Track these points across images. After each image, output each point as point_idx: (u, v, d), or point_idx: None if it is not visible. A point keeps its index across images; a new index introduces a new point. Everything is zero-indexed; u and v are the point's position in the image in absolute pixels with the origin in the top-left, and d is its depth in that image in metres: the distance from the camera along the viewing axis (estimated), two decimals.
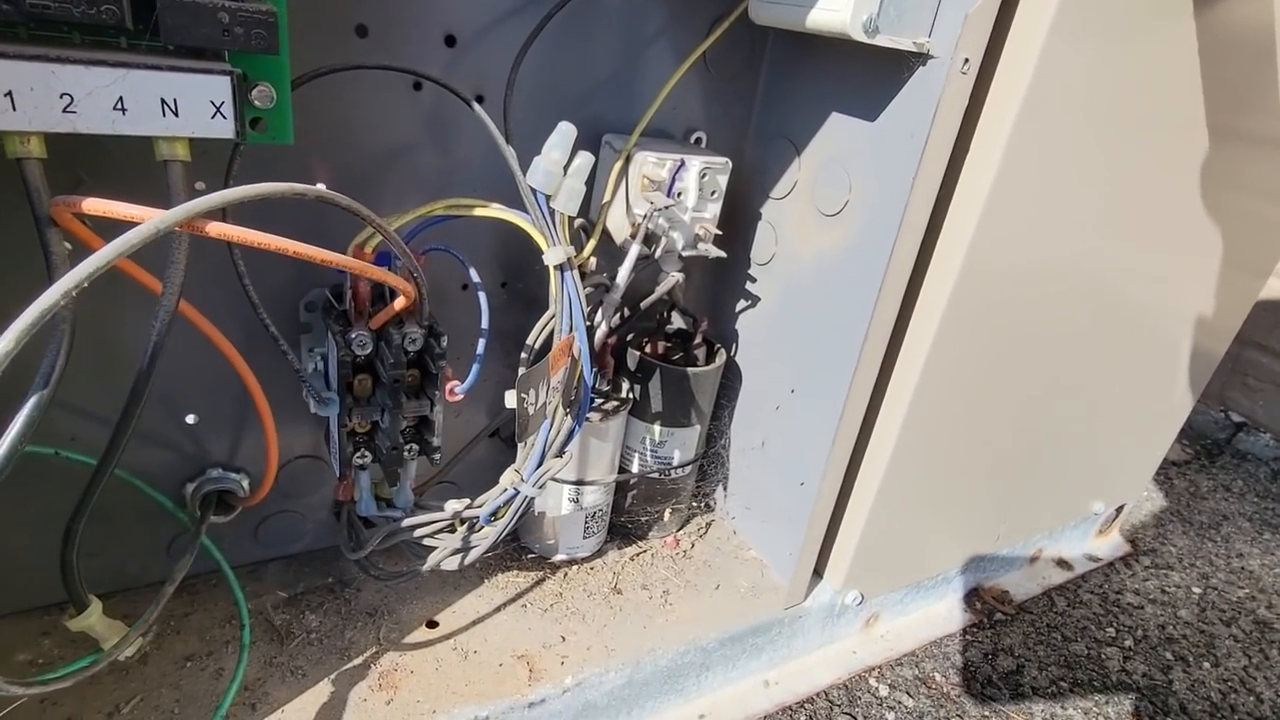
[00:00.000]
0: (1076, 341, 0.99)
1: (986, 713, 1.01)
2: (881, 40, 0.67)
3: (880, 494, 0.91)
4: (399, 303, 0.61)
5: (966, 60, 0.66)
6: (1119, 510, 1.41)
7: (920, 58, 0.69)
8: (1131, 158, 0.85)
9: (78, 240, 0.48)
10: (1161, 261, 1.01)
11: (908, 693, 1.03)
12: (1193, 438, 1.91)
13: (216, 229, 0.43)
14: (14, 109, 0.44)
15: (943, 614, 1.17)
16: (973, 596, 1.20)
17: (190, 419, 0.75)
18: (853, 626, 1.07)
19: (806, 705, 0.98)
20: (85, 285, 0.38)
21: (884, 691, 1.02)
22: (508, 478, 0.72)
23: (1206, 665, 1.17)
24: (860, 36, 0.65)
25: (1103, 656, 1.15)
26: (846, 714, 0.98)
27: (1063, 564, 1.33)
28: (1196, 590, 1.34)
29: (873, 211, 0.77)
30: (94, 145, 0.60)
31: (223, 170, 0.57)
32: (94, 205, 0.42)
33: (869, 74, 0.75)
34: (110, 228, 0.48)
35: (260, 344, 0.63)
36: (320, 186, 0.58)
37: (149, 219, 0.41)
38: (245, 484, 0.79)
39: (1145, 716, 1.06)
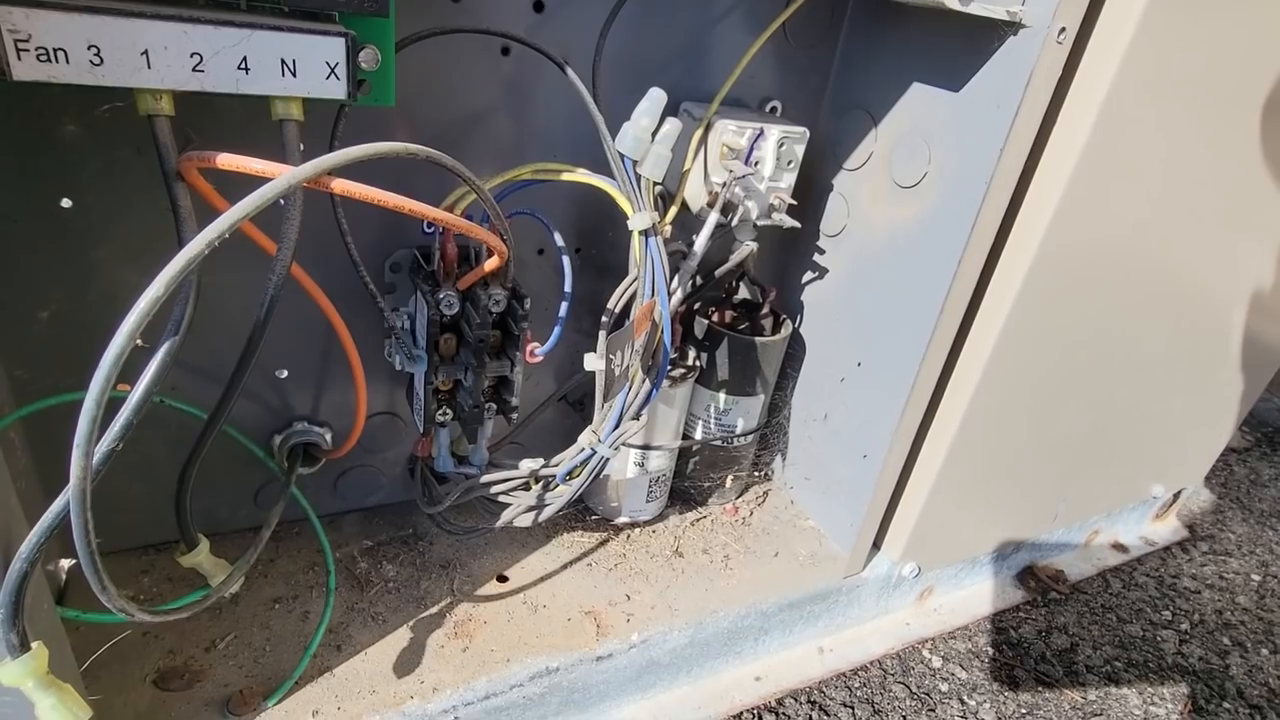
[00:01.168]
0: (1146, 323, 0.98)
1: (1040, 688, 1.02)
2: (975, 8, 0.66)
3: (943, 469, 0.91)
4: (491, 263, 0.63)
5: (1063, 30, 0.65)
6: (1177, 495, 1.39)
7: (1012, 26, 0.68)
8: (1217, 136, 0.83)
9: (200, 196, 0.51)
10: (1237, 246, 0.99)
11: (961, 665, 1.03)
12: (1254, 425, 1.86)
13: (341, 185, 0.45)
14: (149, 67, 0.46)
15: (996, 590, 1.17)
16: (1027, 575, 1.20)
17: (281, 374, 0.78)
18: (907, 599, 1.08)
19: (860, 673, 0.99)
20: (226, 236, 0.40)
21: (937, 663, 1.03)
22: (585, 438, 0.74)
23: (1265, 652, 1.16)
24: (954, 5, 0.64)
25: (1158, 639, 1.15)
26: (900, 683, 0.99)
27: (1119, 547, 1.32)
28: (1256, 577, 1.33)
29: (953, 184, 0.77)
30: (203, 105, 0.62)
31: (321, 130, 0.59)
32: (227, 160, 0.44)
33: (955, 43, 0.74)
34: (227, 186, 0.51)
35: (348, 302, 0.65)
36: (400, 144, 0.59)
37: (281, 174, 0.42)
38: (328, 437, 0.82)
39: (1201, 700, 1.05)
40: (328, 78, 0.51)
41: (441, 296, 0.67)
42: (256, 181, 0.45)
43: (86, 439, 0.39)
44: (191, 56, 0.46)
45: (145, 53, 0.45)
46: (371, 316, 0.77)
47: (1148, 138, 0.76)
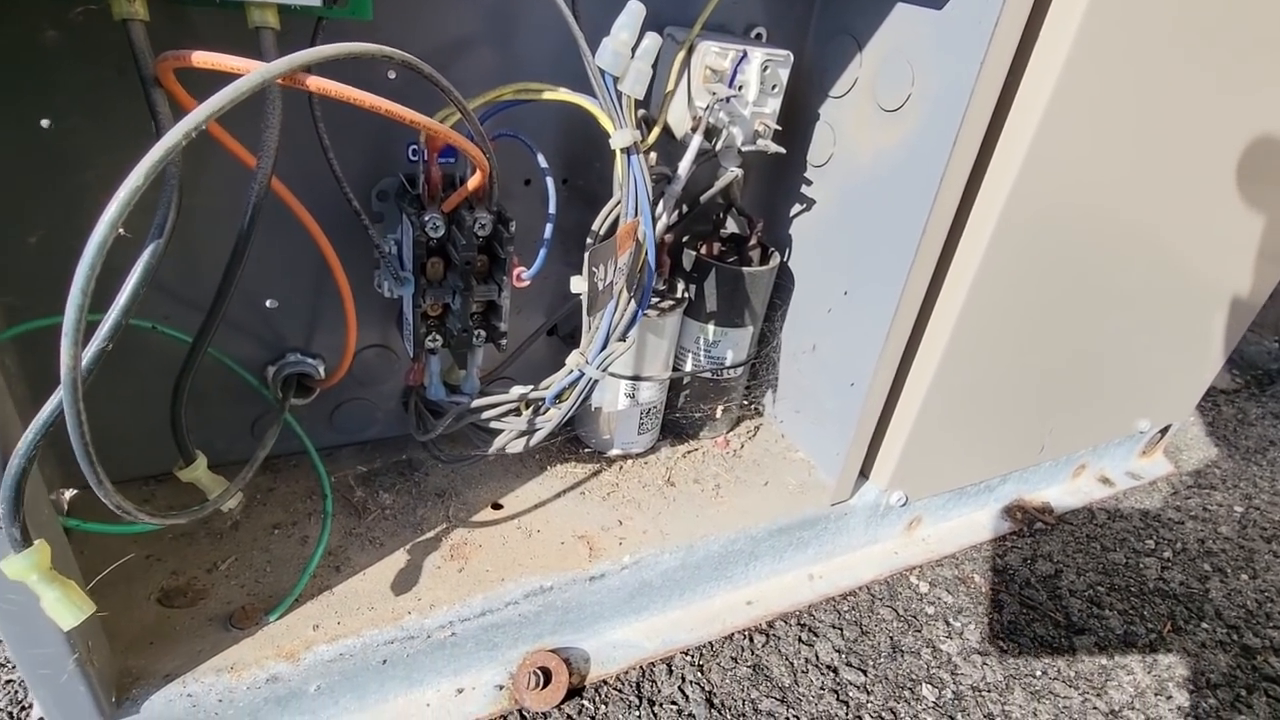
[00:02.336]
0: (1131, 254, 0.98)
1: (1023, 609, 1.05)
2: None
3: (929, 396, 0.93)
4: (473, 180, 0.63)
5: None
6: (1164, 431, 1.41)
7: None
8: (1202, 55, 0.82)
9: (177, 103, 0.51)
10: (1220, 182, 0.99)
11: (947, 590, 1.06)
12: (1243, 368, 1.88)
13: (316, 83, 0.45)
14: None
15: (983, 521, 1.19)
16: (1014, 506, 1.23)
17: (270, 304, 0.78)
18: (895, 528, 1.10)
19: (849, 597, 1.02)
20: (202, 128, 0.41)
21: (924, 588, 1.06)
22: (573, 359, 0.75)
23: (1244, 577, 1.19)
24: None
25: (1141, 566, 1.17)
26: (888, 606, 1.02)
27: (1105, 481, 1.34)
28: (1239, 509, 1.35)
29: (935, 105, 0.77)
30: (179, 20, 0.62)
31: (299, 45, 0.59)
32: (202, 58, 0.45)
33: None
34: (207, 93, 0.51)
35: (339, 233, 0.65)
36: (391, 76, 0.59)
37: (254, 70, 0.43)
38: (321, 368, 0.83)
39: (1180, 620, 1.08)
40: None
41: (426, 219, 0.67)
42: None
43: (75, 327, 0.40)
44: None
45: None
46: (361, 248, 0.78)
47: (1133, 56, 0.76)
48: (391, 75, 0.72)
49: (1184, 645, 1.04)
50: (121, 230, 0.39)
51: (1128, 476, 1.37)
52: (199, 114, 0.40)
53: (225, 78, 0.44)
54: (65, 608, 0.49)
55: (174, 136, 0.39)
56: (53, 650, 0.55)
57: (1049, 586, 1.10)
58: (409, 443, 0.93)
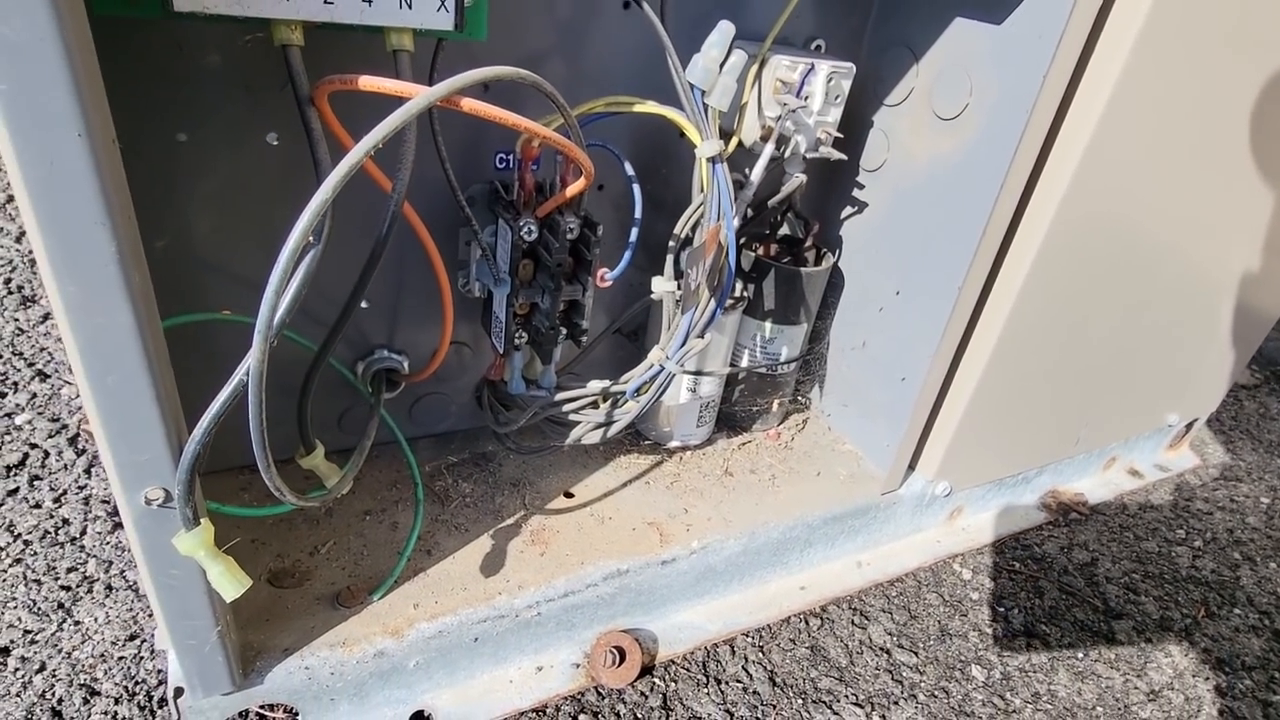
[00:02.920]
0: (1168, 256, 1.03)
1: (1063, 594, 1.09)
2: None
3: (976, 392, 0.97)
4: (576, 186, 0.68)
5: None
6: (1190, 426, 1.45)
7: None
8: (1247, 68, 0.87)
9: (326, 123, 0.56)
10: (1257, 180, 1.03)
11: (989, 577, 1.11)
12: (1263, 364, 1.92)
13: (470, 104, 0.50)
14: (287, 0, 0.50)
15: (1021, 511, 1.24)
16: (1049, 497, 1.27)
17: (363, 304, 0.83)
18: (938, 518, 1.14)
19: (897, 583, 1.06)
20: (380, 146, 0.45)
21: (967, 575, 1.10)
22: (654, 355, 0.80)
23: (1273, 565, 1.23)
24: None
25: (1173, 554, 1.22)
26: (934, 592, 1.06)
27: (1134, 473, 1.38)
28: (1265, 500, 1.39)
29: (994, 114, 0.81)
30: (320, 42, 0.67)
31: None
32: (368, 82, 0.49)
33: None
34: (348, 115, 0.56)
35: (434, 234, 0.70)
36: (512, 68, 0.63)
37: (419, 93, 0.47)
38: (405, 364, 0.88)
39: (1214, 606, 1.13)
40: (438, 10, 0.56)
41: (522, 224, 0.72)
42: (366, 113, 0.50)
43: (266, 324, 0.44)
44: None
45: None
46: (446, 249, 0.82)
47: (1183, 67, 0.80)
48: (486, 87, 0.77)
49: (1218, 630, 1.08)
50: (310, 239, 0.44)
51: (1156, 469, 1.41)
52: (380, 130, 0.45)
53: (378, 100, 0.49)
54: (228, 581, 0.53)
55: (359, 152, 0.44)
56: (201, 623, 0.59)
57: (1086, 574, 1.15)
58: (482, 434, 0.98)
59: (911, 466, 1.07)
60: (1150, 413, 1.31)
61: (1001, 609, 1.05)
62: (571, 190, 0.68)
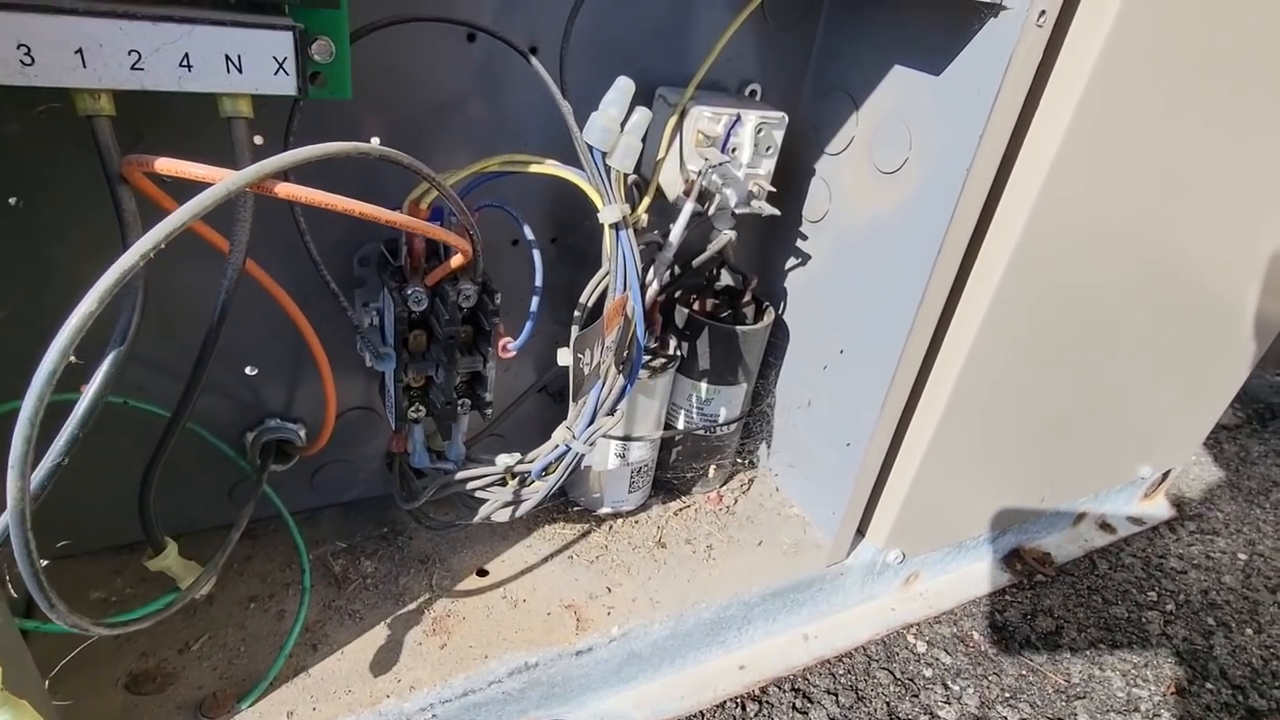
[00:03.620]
0: (1133, 305, 0.97)
1: (1024, 672, 1.02)
2: None
3: (927, 456, 0.91)
4: (456, 260, 0.61)
5: (1043, 13, 0.63)
6: (1165, 474, 1.39)
7: (992, 8, 0.66)
8: (1199, 118, 0.81)
9: (146, 198, 0.49)
10: (1224, 225, 0.97)
11: (945, 650, 1.04)
12: (1245, 402, 1.86)
13: (285, 190, 0.43)
14: (84, 66, 0.44)
15: (982, 574, 1.17)
16: (1013, 557, 1.20)
17: (249, 370, 0.76)
18: (892, 584, 1.08)
19: (845, 659, 0.99)
20: (162, 247, 0.39)
21: (921, 648, 1.03)
22: (560, 434, 0.73)
23: (1249, 631, 1.17)
24: None
25: (1143, 620, 1.15)
26: (884, 669, 0.99)
27: (1106, 527, 1.32)
28: (1242, 556, 1.33)
29: (934, 169, 0.75)
30: (153, 100, 0.60)
31: (279, 123, 0.57)
32: (166, 165, 0.43)
33: (936, 24, 0.72)
34: (176, 184, 0.49)
35: (315, 297, 0.63)
36: (375, 142, 0.57)
37: (220, 180, 0.41)
38: (302, 434, 0.81)
39: (1184, 681, 1.06)
40: (275, 73, 0.49)
41: (409, 293, 0.65)
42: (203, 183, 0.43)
43: (21, 459, 0.38)
44: (129, 54, 0.44)
45: (79, 51, 0.43)
46: (342, 311, 0.76)
47: (1129, 120, 0.74)
48: (375, 141, 0.70)
49: (1188, 709, 1.02)
50: (73, 359, 0.37)
51: (1129, 522, 1.35)
52: (157, 233, 0.38)
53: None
54: None
55: (129, 259, 0.37)
56: None
57: (1049, 644, 1.08)
58: (392, 503, 0.91)
59: (861, 533, 1.00)
60: (1121, 466, 1.25)
61: (956, 687, 0.98)
62: (454, 262, 0.62)
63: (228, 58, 0.47)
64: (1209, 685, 1.06)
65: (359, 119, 0.69)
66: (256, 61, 0.48)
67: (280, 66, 0.49)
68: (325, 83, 0.54)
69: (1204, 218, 0.93)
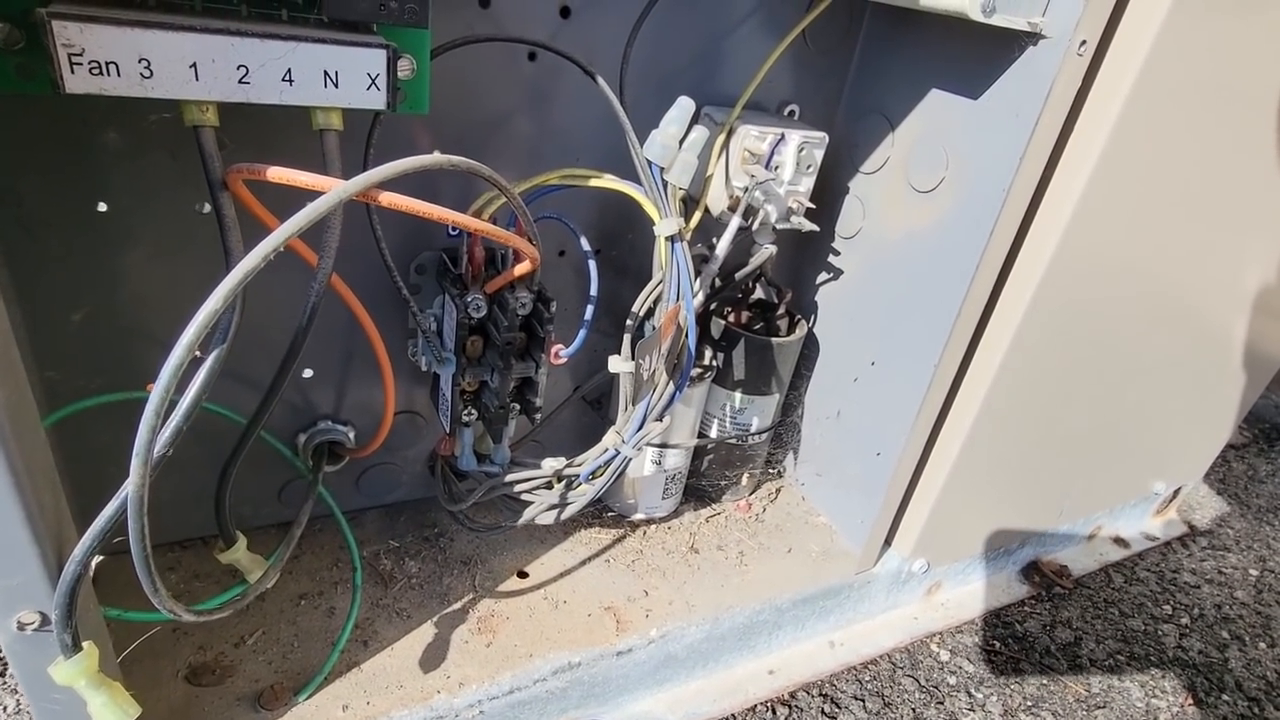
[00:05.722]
0: (1152, 326, 0.99)
1: (1045, 681, 1.04)
2: (997, 20, 0.66)
3: (955, 468, 0.93)
4: (521, 268, 0.64)
5: (1084, 42, 0.66)
6: (1177, 492, 1.41)
7: (1033, 37, 0.69)
8: (1226, 144, 0.84)
9: (243, 206, 0.52)
10: (1242, 250, 1.00)
11: (968, 659, 1.05)
12: (1251, 422, 1.89)
13: (388, 199, 0.46)
14: (197, 79, 0.46)
15: (1002, 585, 1.19)
16: (1031, 569, 1.22)
17: (307, 373, 0.79)
18: (915, 594, 1.10)
19: (870, 666, 1.01)
20: (281, 249, 0.41)
21: (945, 656, 1.05)
22: (610, 439, 0.75)
23: (1263, 645, 1.19)
24: (978, 16, 0.65)
25: (1159, 633, 1.17)
26: (909, 676, 1.01)
27: (1120, 542, 1.34)
28: (1254, 572, 1.35)
29: (971, 190, 0.78)
30: (239, 112, 0.63)
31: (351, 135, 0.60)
32: (278, 174, 0.45)
33: (974, 51, 0.75)
34: (265, 194, 0.52)
35: (375, 303, 0.66)
36: (455, 157, 0.60)
37: (331, 188, 0.43)
38: (351, 435, 0.83)
39: (1201, 692, 1.08)
40: (368, 88, 0.52)
41: (469, 300, 0.68)
42: (295, 190, 0.46)
43: (146, 446, 0.40)
44: (238, 69, 0.47)
45: (194, 65, 0.46)
46: (396, 316, 0.78)
47: (1163, 148, 0.77)
48: (453, 156, 0.73)
49: None
50: (197, 353, 0.40)
51: (1142, 538, 1.37)
52: (277, 237, 0.40)
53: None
54: (111, 713, 0.48)
55: (252, 260, 0.40)
56: None
57: (1069, 655, 1.10)
58: (434, 505, 0.93)
59: (888, 542, 1.02)
60: (1135, 482, 1.27)
61: (979, 695, 1.00)
62: (519, 270, 0.64)
63: (326, 74, 0.50)
64: (1225, 697, 1.08)
65: (427, 133, 0.72)
66: (351, 77, 0.51)
67: (373, 82, 0.52)
68: (405, 98, 0.56)
69: (1223, 244, 0.96)
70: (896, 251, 0.88)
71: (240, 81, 0.48)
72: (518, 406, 0.76)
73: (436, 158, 0.48)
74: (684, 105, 0.64)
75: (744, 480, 1.02)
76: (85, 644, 0.47)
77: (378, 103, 0.53)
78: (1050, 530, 1.21)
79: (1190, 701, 1.06)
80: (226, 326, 0.48)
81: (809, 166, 0.82)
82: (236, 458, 0.59)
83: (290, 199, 0.46)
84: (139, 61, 0.45)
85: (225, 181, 0.49)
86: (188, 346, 0.39)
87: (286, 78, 0.49)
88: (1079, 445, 1.09)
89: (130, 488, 0.41)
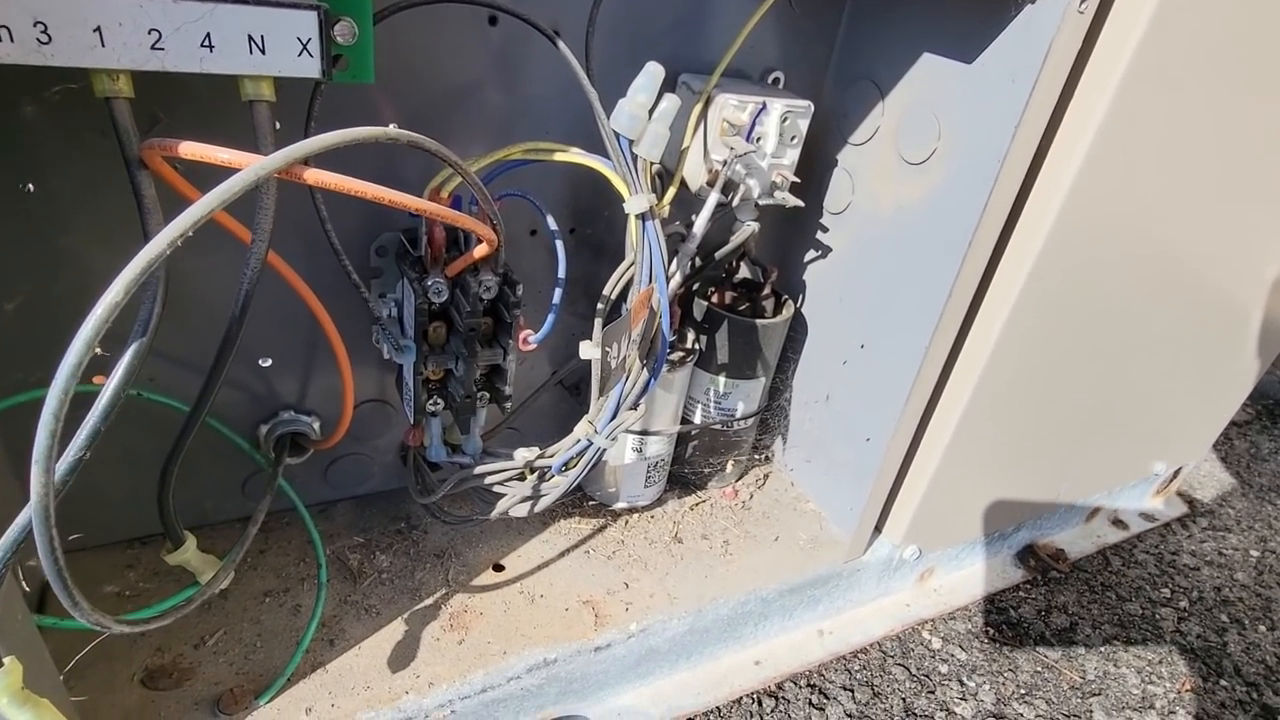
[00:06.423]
0: (1154, 303, 0.95)
1: (1039, 669, 1.02)
2: None
3: (948, 452, 0.89)
4: (479, 250, 0.60)
5: (1085, 0, 0.61)
6: (1177, 471, 1.38)
7: None
8: (1235, 111, 0.79)
9: (165, 184, 0.48)
10: (1247, 225, 0.96)
11: (960, 646, 1.03)
12: (1254, 398, 1.85)
13: (314, 176, 0.41)
14: (103, 45, 0.42)
15: (997, 570, 1.16)
16: (1027, 553, 1.19)
17: (264, 362, 0.75)
18: (908, 580, 1.07)
19: (860, 655, 0.99)
20: (189, 234, 0.37)
21: (937, 644, 1.02)
22: (582, 429, 0.72)
23: (1262, 629, 1.16)
24: None
25: (1157, 617, 1.14)
26: (900, 665, 0.98)
27: (1119, 523, 1.31)
28: (1254, 553, 1.32)
29: (964, 161, 0.73)
30: (170, 82, 0.59)
31: (295, 108, 0.55)
32: (191, 149, 0.41)
33: (968, 11, 0.70)
34: (196, 171, 0.47)
35: (332, 287, 0.62)
36: (394, 128, 0.56)
37: (248, 165, 0.39)
38: (316, 426, 0.80)
39: (1199, 678, 1.05)
40: (299, 55, 0.47)
41: (429, 284, 0.64)
42: (227, 168, 0.42)
43: (46, 454, 0.36)
44: (150, 33, 0.43)
45: (98, 30, 0.41)
46: (358, 300, 0.74)
47: (1166, 113, 0.73)
48: (393, 127, 0.68)
49: (1203, 706, 1.01)
50: (99, 350, 0.36)
51: (1141, 519, 1.34)
52: (184, 220, 0.36)
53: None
54: None
55: (156, 247, 0.36)
56: None
57: (1064, 641, 1.07)
58: (408, 496, 0.90)
59: (879, 529, 0.99)
60: (1135, 462, 1.24)
61: (971, 684, 0.98)
62: (478, 253, 0.60)
63: (251, 38, 0.45)
64: (1223, 682, 1.05)
65: (376, 105, 0.67)
66: (280, 42, 0.46)
67: (304, 48, 0.47)
68: (347, 66, 0.52)
69: (1227, 216, 0.92)
70: (887, 228, 0.84)
71: (153, 48, 0.43)
72: (487, 395, 0.73)
73: (372, 130, 0.43)
74: (652, 72, 0.59)
75: (729, 467, 0.98)
76: (6, 660, 0.44)
77: (311, 71, 0.48)
78: (1047, 513, 1.18)
79: (1187, 687, 1.03)
80: (147, 318, 0.44)
81: (793, 138, 0.77)
82: (175, 456, 0.55)
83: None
84: (34, 25, 0.40)
85: (142, 159, 0.45)
86: (86, 343, 0.35)
87: (206, 43, 0.45)
88: (1077, 427, 1.05)
89: (34, 498, 0.37)
